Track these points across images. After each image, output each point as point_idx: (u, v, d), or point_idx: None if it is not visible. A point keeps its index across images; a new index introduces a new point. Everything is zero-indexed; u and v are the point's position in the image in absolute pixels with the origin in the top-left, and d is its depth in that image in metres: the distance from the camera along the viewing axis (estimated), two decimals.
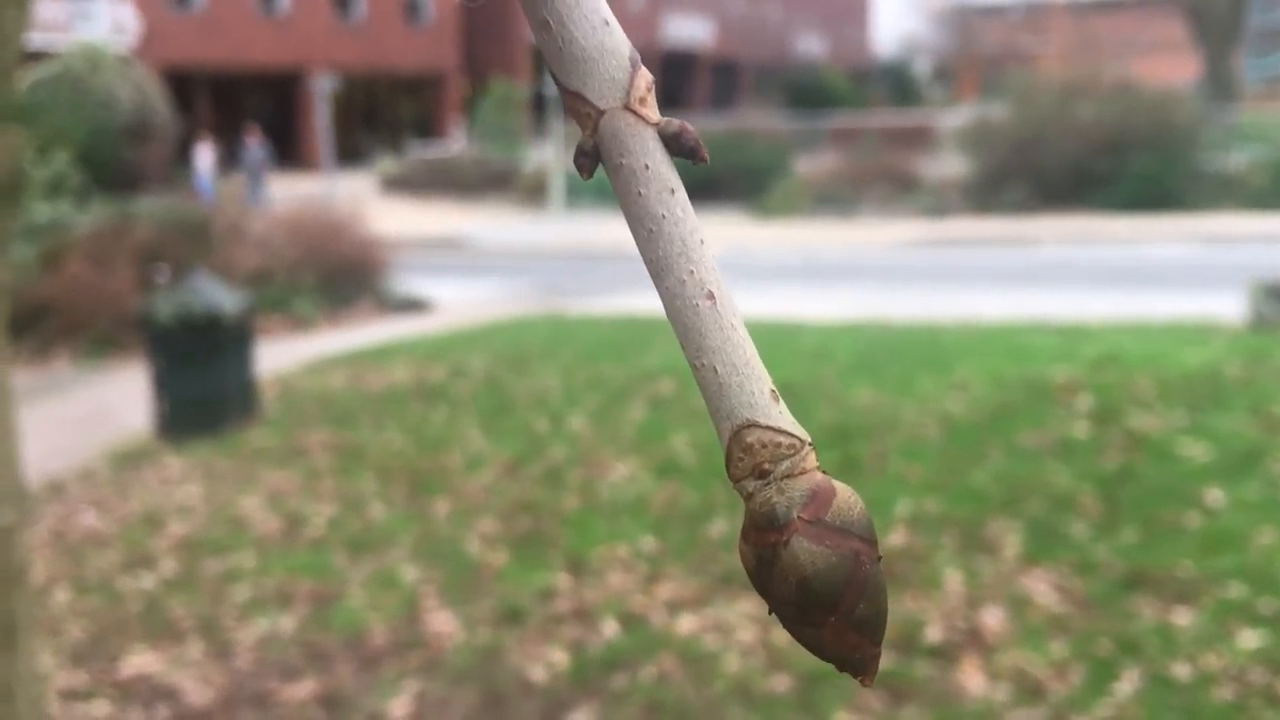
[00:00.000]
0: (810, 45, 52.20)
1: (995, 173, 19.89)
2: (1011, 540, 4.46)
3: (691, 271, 0.55)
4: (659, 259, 0.55)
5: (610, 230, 16.89)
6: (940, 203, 20.18)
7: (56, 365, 9.26)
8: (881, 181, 21.25)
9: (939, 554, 4.37)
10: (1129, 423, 5.94)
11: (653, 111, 0.56)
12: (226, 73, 33.87)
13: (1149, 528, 4.50)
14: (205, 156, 13.41)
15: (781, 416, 0.54)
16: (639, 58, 0.56)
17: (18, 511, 1.72)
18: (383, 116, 38.64)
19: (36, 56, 14.23)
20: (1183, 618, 3.73)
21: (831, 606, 0.52)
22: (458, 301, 12.33)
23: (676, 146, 0.56)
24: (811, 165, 23.06)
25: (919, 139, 24.55)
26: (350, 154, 33.17)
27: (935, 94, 43.13)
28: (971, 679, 3.41)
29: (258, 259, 11.33)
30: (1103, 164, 18.95)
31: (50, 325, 9.55)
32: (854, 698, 3.33)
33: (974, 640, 3.66)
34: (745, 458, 0.53)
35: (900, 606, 3.92)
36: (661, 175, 0.55)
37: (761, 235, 18.29)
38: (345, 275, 11.76)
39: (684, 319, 0.55)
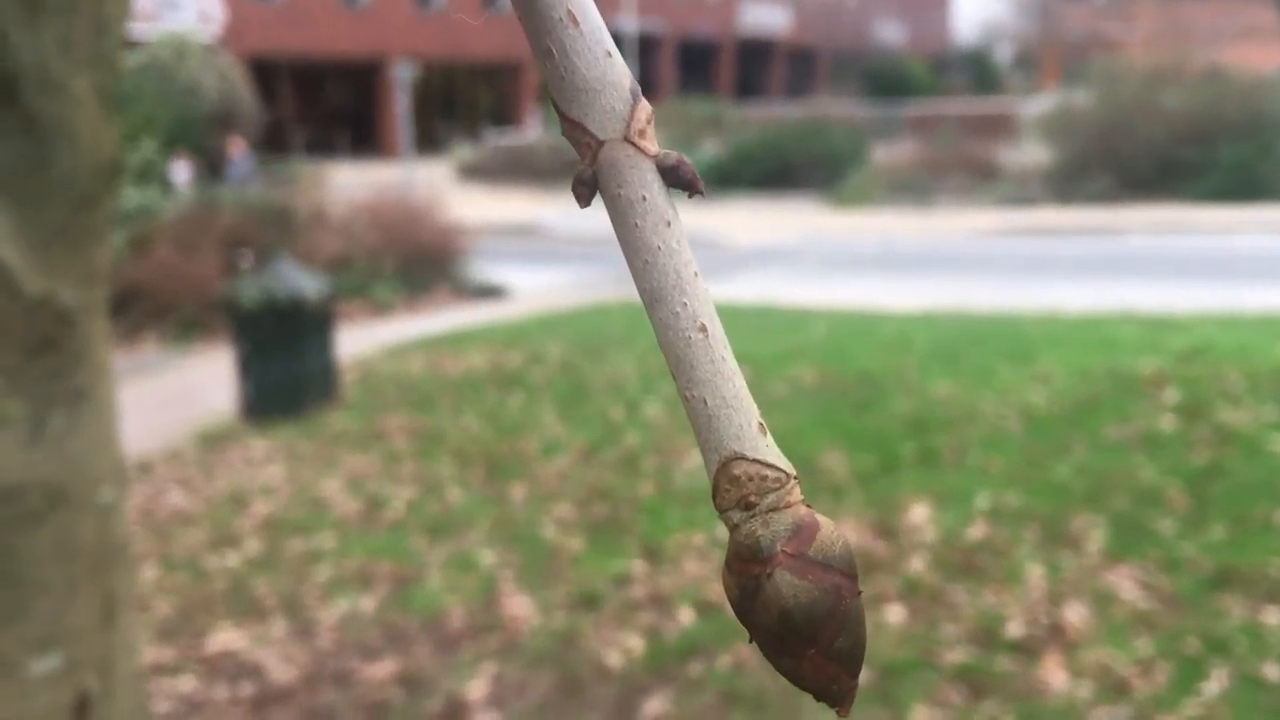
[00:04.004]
0: (889, 32, 51.63)
1: (1078, 161, 19.52)
2: (1095, 535, 4.39)
3: (685, 304, 0.55)
4: (653, 289, 0.55)
5: (686, 218, 16.83)
6: (1021, 192, 19.86)
7: (144, 348, 9.49)
8: (960, 170, 20.97)
9: (1020, 548, 4.31)
10: (1218, 417, 5.80)
11: (651, 144, 0.56)
12: (308, 62, 34.37)
13: (1238, 525, 4.40)
14: (181, 173, 13.72)
15: (768, 450, 0.54)
16: (640, 89, 0.57)
17: (118, 490, 1.77)
18: (460, 104, 38.96)
19: (127, 45, 14.60)
20: (1273, 617, 3.64)
21: (811, 638, 0.53)
22: (534, 288, 12.40)
23: (674, 179, 0.57)
24: (889, 153, 22.84)
25: (999, 127, 24.19)
26: (428, 142, 33.50)
27: (1016, 81, 42.46)
28: (1054, 675, 3.36)
29: (339, 245, 11.50)
30: (1190, 153, 18.51)
31: (139, 309, 9.79)
32: (933, 692, 3.30)
33: (1056, 636, 3.61)
34: (731, 489, 0.54)
35: (980, 600, 3.88)
36: (658, 207, 0.56)
37: (838, 224, 18.15)
38: (423, 262, 11.90)
39: (676, 350, 0.55)
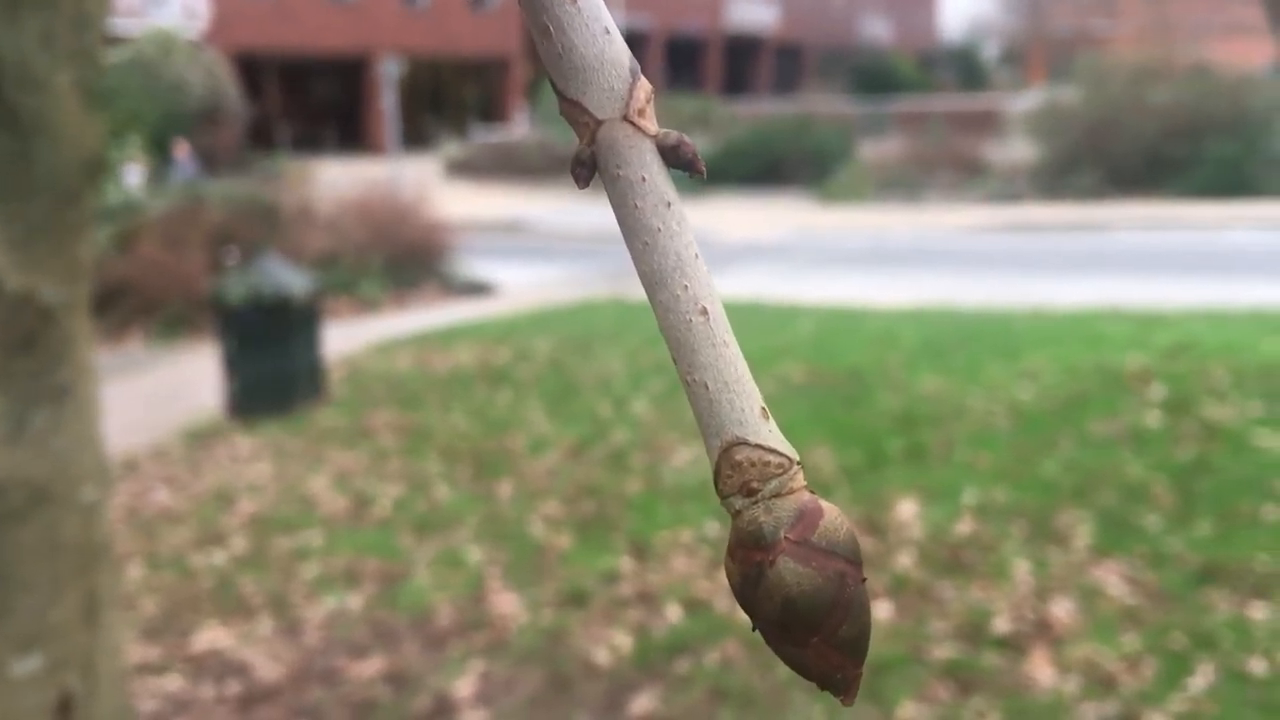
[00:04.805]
0: (876, 28, 51.66)
1: (1066, 157, 19.56)
2: (1082, 531, 4.40)
3: (686, 286, 0.54)
4: (653, 272, 0.55)
5: None
6: (1009, 188, 19.89)
7: (130, 345, 9.45)
8: (948, 166, 21.00)
9: (1007, 543, 4.32)
10: (1204, 413, 5.82)
11: (651, 123, 0.55)
12: (295, 57, 34.25)
13: (1224, 520, 4.41)
14: (133, 175, 13.64)
15: (771, 435, 0.54)
16: (639, 67, 0.55)
17: (101, 488, 1.75)
18: (448, 101, 38.88)
19: (111, 41, 14.50)
20: (1259, 612, 3.65)
21: (815, 627, 0.52)
22: (521, 285, 12.38)
23: (674, 159, 0.56)
24: (877, 150, 22.86)
25: (987, 123, 24.22)
26: (415, 138, 33.42)
27: (1004, 77, 42.52)
28: (1041, 670, 3.37)
29: (326, 242, 11.46)
30: (1177, 149, 18.56)
31: (124, 305, 9.74)
32: (921, 687, 3.30)
33: (1043, 631, 3.61)
34: (734, 475, 0.53)
35: (968, 596, 3.88)
36: (658, 188, 0.55)
37: (826, 220, 18.17)
38: (410, 258, 11.87)
39: (677, 334, 0.54)
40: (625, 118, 0.54)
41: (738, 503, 0.53)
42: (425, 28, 36.32)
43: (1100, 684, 3.28)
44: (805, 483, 0.54)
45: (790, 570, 0.52)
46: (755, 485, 0.53)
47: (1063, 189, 19.06)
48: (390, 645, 3.80)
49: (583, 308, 10.41)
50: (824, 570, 0.52)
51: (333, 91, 37.09)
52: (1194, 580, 3.92)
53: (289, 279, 7.00)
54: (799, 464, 0.54)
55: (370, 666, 3.66)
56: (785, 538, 0.52)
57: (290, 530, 4.92)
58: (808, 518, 0.53)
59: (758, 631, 0.54)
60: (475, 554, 4.54)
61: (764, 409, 0.54)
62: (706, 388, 0.54)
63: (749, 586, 0.53)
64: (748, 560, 0.53)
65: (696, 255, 0.55)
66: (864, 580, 0.53)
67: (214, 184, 12.00)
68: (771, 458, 0.53)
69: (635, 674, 3.51)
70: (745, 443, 0.53)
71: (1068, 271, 12.17)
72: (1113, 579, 3.97)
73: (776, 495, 0.53)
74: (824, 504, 0.54)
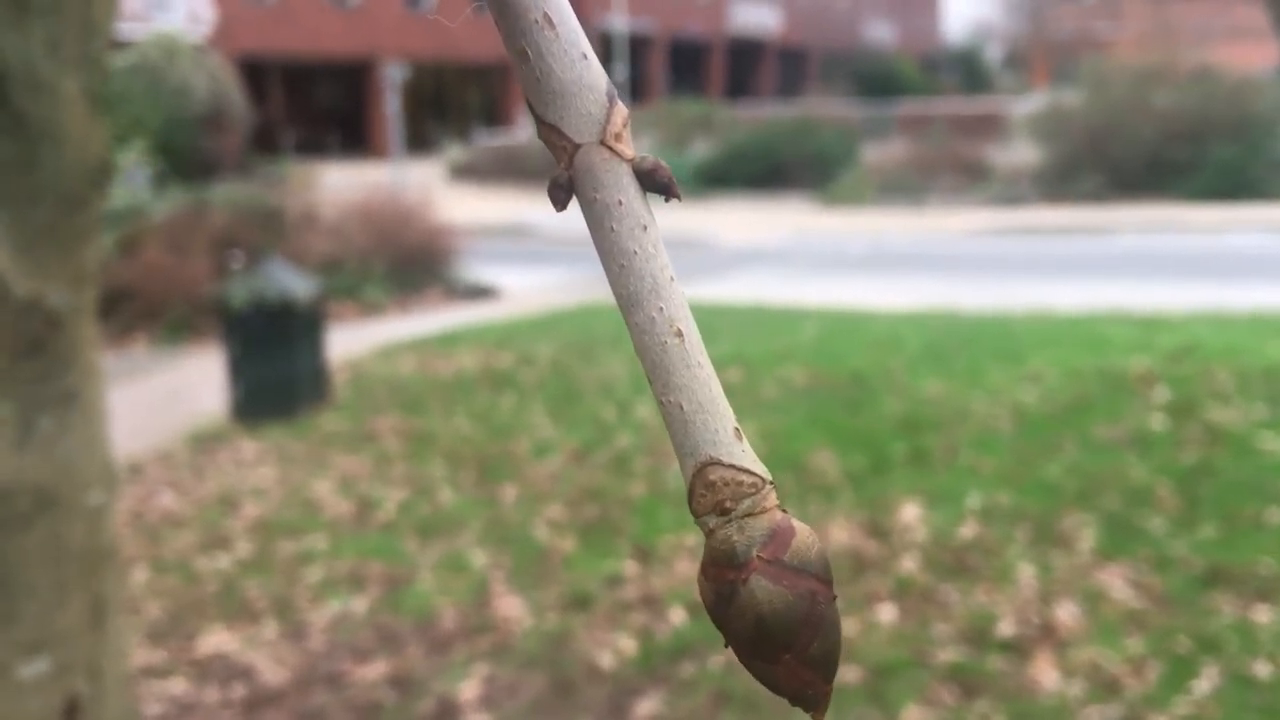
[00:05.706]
0: (879, 32, 51.68)
1: (1068, 161, 19.55)
2: (1086, 534, 4.40)
3: (661, 308, 0.55)
4: (629, 294, 0.56)
5: (676, 218, 16.85)
6: (1011, 191, 19.89)
7: (134, 349, 9.46)
8: (951, 170, 20.99)
9: (1011, 547, 4.32)
10: (1208, 416, 5.82)
11: (628, 147, 0.56)
12: (299, 62, 34.30)
13: (1228, 523, 4.41)
14: None
15: (744, 455, 0.55)
16: (616, 92, 0.56)
17: (107, 492, 1.76)
18: (451, 105, 38.91)
19: (116, 46, 14.51)
20: (1263, 615, 3.65)
21: (787, 644, 0.53)
22: (525, 289, 12.39)
23: (650, 183, 0.57)
24: (879, 153, 22.84)
25: (989, 126, 24.21)
26: (419, 142, 33.46)
27: (1006, 81, 42.53)
28: (1045, 674, 3.37)
29: (329, 246, 11.47)
30: (1180, 152, 18.55)
31: (128, 309, 9.76)
32: (925, 691, 3.31)
33: (1047, 635, 3.61)
34: (707, 494, 0.54)
35: (972, 600, 3.88)
36: (635, 211, 0.56)
37: (828, 223, 18.17)
38: (414, 262, 11.88)
39: (652, 355, 0.55)
40: (602, 142, 0.55)
41: (711, 522, 0.54)
42: (428, 32, 36.35)
43: (1104, 687, 3.28)
44: (777, 502, 0.55)
45: (762, 589, 0.53)
46: (729, 505, 0.54)
47: (1065, 192, 19.06)
48: (394, 649, 3.81)
49: (585, 312, 10.41)
50: (795, 589, 0.53)
51: (336, 96, 37.14)
52: (1198, 584, 3.92)
53: (293, 283, 7.01)
54: (771, 484, 0.55)
55: (374, 670, 3.67)
56: (758, 556, 0.53)
57: (294, 534, 4.93)
58: (780, 537, 0.53)
59: (730, 648, 0.55)
60: (479, 558, 4.54)
61: (737, 429, 0.55)
62: (681, 408, 0.55)
63: (722, 604, 0.54)
64: (721, 578, 0.54)
65: (672, 278, 0.56)
66: (834, 599, 0.54)
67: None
68: (745, 477, 0.54)
69: (639, 678, 3.51)
70: (719, 463, 0.54)
71: (1070, 274, 12.16)
72: (1117, 582, 3.97)
73: (749, 515, 0.54)
74: (796, 523, 0.54)
